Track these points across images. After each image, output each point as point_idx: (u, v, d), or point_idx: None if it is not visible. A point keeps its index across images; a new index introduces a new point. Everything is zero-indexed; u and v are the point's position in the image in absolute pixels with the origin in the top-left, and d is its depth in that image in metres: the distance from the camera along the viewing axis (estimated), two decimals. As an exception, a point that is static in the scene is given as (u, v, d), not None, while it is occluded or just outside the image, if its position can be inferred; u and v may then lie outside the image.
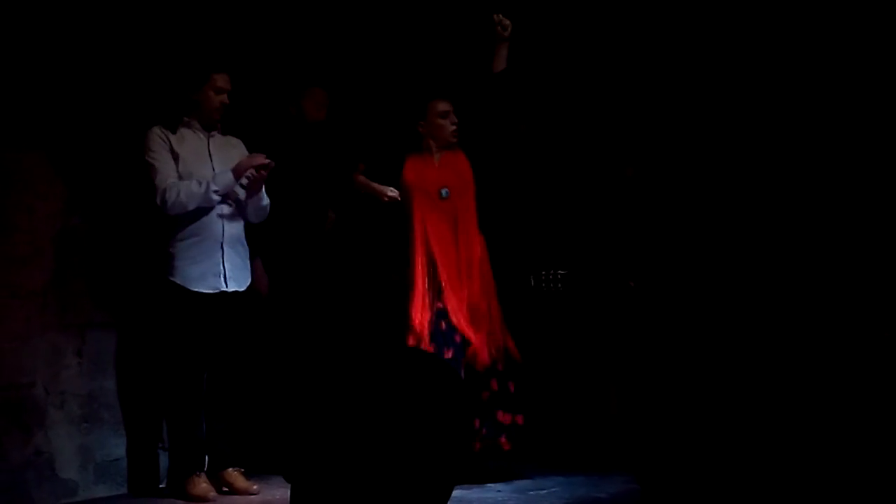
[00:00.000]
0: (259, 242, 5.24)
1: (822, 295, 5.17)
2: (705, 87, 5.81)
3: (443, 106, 5.30)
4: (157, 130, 4.97)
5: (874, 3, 5.26)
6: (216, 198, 4.94)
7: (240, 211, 5.08)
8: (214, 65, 5.03)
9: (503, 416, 5.12)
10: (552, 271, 5.27)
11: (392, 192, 5.23)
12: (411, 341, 5.00)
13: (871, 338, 4.87)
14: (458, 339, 5.07)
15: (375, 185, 5.29)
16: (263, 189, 5.04)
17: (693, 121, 5.87)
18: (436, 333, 5.05)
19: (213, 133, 5.09)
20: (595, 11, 6.15)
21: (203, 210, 4.95)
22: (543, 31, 6.26)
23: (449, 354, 5.00)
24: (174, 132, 5.00)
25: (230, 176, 4.96)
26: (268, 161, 4.94)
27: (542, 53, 6.28)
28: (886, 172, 5.19)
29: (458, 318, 5.08)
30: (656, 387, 5.50)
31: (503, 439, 5.11)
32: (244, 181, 4.97)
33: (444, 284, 5.12)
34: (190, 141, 5.02)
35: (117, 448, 5.16)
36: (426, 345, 4.96)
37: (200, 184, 4.90)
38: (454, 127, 5.29)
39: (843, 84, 5.34)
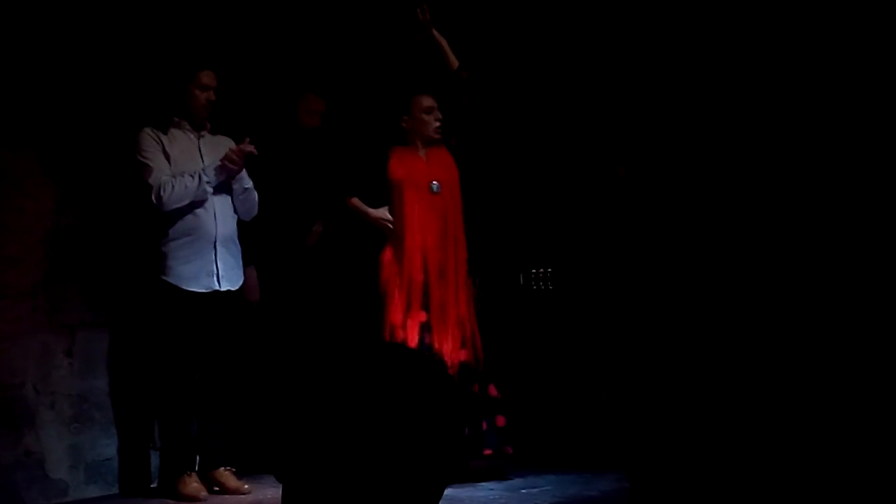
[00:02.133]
0: (253, 250, 5.24)
1: (814, 292, 5.18)
2: (697, 86, 5.81)
3: (427, 101, 5.25)
4: (148, 131, 4.97)
5: (873, 4, 5.27)
6: (209, 189, 4.93)
7: (233, 209, 5.07)
8: (198, 62, 5.02)
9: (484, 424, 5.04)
10: (542, 270, 5.25)
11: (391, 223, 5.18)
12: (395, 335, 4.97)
13: (862, 335, 4.88)
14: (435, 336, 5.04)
15: (371, 211, 5.21)
16: (245, 172, 5.02)
17: (684, 119, 5.87)
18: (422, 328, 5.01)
19: (203, 133, 5.09)
20: (587, 10, 6.15)
21: (196, 209, 4.94)
22: (537, 30, 6.26)
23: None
24: (165, 132, 4.99)
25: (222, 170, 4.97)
26: (251, 147, 4.96)
27: (536, 51, 6.28)
28: (877, 172, 5.20)
29: (440, 319, 5.05)
30: (647, 385, 5.50)
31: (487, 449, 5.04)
32: (226, 167, 4.97)
33: (431, 280, 5.09)
34: (180, 141, 5.02)
35: (108, 448, 5.15)
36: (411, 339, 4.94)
37: (193, 177, 4.91)
38: (438, 123, 5.25)
39: (836, 80, 5.35)
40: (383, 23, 6.02)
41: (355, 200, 5.23)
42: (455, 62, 5.31)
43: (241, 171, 4.99)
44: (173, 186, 4.87)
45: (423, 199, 5.17)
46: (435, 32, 5.27)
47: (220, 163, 4.95)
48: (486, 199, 5.79)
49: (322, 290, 5.48)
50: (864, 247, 5.16)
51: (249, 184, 5.09)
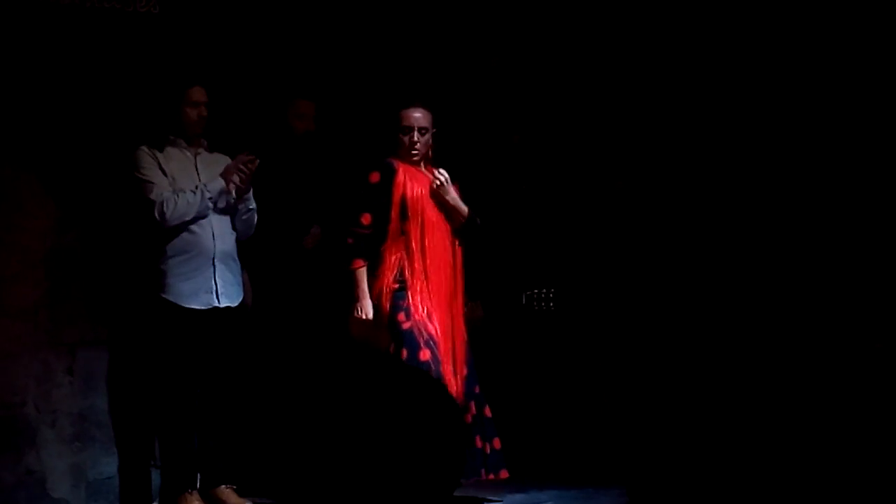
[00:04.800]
0: (247, 256, 5.24)
1: (815, 307, 5.18)
2: (694, 98, 5.82)
3: (406, 120, 5.04)
4: (144, 149, 4.97)
5: (871, 6, 5.27)
6: (210, 204, 4.94)
7: (231, 227, 5.08)
8: (187, 80, 5.02)
9: (480, 442, 4.90)
10: (543, 290, 5.23)
11: (366, 315, 4.93)
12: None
13: (862, 349, 4.88)
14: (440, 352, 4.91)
15: (364, 298, 4.94)
16: (251, 192, 5.05)
17: (682, 130, 5.88)
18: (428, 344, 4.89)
19: (199, 150, 5.10)
20: (587, 22, 6.17)
21: (193, 227, 4.94)
22: (535, 42, 6.27)
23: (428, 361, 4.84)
24: (161, 150, 5.00)
25: (221, 181, 4.98)
26: (252, 156, 4.96)
27: (531, 64, 6.29)
28: (876, 190, 5.21)
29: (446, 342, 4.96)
30: (649, 401, 5.50)
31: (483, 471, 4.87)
32: (233, 183, 4.97)
33: (441, 309, 4.99)
34: (177, 159, 5.02)
35: (109, 466, 5.14)
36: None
37: (195, 192, 4.91)
38: (415, 149, 5.02)
39: (835, 98, 5.36)
40: (371, 26, 6.02)
41: (361, 272, 4.96)
42: (464, 214, 5.08)
43: (249, 190, 5.02)
44: (176, 203, 4.88)
45: (438, 223, 5.03)
46: (447, 195, 5.05)
47: (221, 178, 4.97)
48: (487, 217, 5.77)
49: (319, 299, 5.47)
50: (863, 262, 5.16)
51: (254, 204, 5.11)
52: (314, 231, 5.52)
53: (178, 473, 4.97)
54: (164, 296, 4.92)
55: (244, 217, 5.10)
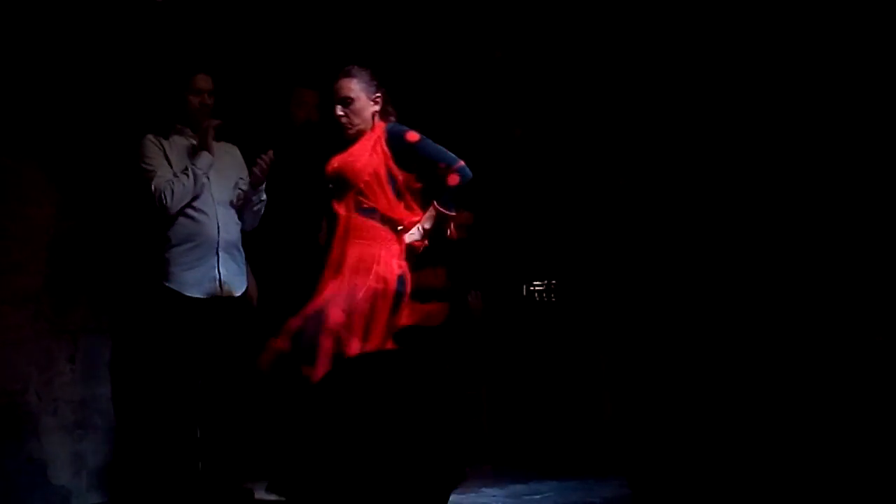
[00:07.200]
0: (245, 244, 5.24)
1: (816, 301, 5.19)
2: (696, 96, 5.83)
3: (336, 94, 4.51)
4: (150, 138, 4.98)
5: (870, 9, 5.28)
6: (204, 180, 4.93)
7: (236, 217, 5.08)
8: (192, 67, 5.02)
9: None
10: (544, 281, 5.23)
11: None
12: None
13: (863, 343, 4.89)
14: None
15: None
16: (264, 185, 5.05)
17: (684, 128, 5.89)
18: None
19: (205, 138, 5.10)
20: (591, 17, 6.17)
21: (199, 215, 4.94)
22: (538, 40, 6.27)
23: None
24: (166, 138, 5.00)
25: (208, 156, 4.96)
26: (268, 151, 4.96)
27: (535, 61, 6.29)
28: (877, 185, 5.21)
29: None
30: (650, 392, 5.51)
31: None
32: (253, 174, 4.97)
33: None
34: (182, 147, 5.02)
35: (110, 455, 5.14)
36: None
37: (187, 174, 4.90)
38: (340, 123, 4.51)
39: (835, 94, 5.37)
40: (374, 16, 6.02)
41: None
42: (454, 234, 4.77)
43: (264, 181, 5.02)
44: (173, 190, 4.88)
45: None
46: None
47: (211, 158, 4.96)
48: (489, 210, 5.78)
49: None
50: (864, 256, 5.16)
51: (265, 196, 5.11)
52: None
53: (179, 462, 4.98)
54: (167, 284, 4.93)
55: (255, 208, 5.10)
